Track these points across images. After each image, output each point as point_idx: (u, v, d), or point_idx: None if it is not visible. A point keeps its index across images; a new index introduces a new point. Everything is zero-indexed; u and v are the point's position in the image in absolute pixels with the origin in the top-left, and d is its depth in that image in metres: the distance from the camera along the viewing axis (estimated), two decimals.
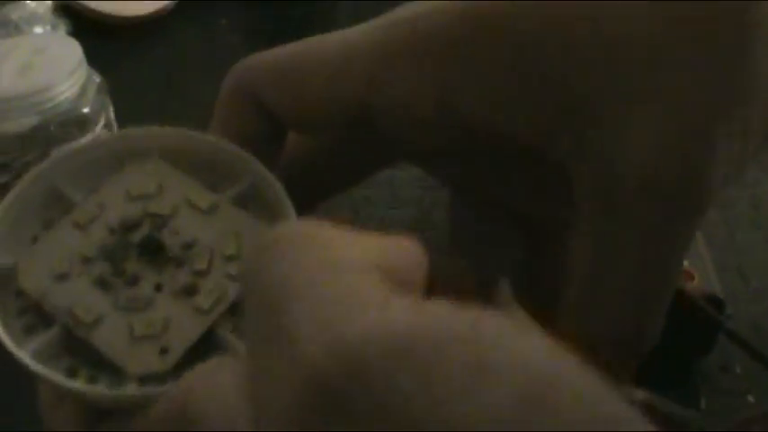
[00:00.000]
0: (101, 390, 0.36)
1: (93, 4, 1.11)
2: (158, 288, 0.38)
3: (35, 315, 0.38)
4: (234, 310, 0.38)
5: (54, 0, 1.12)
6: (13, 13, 1.06)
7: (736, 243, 0.77)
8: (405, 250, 0.32)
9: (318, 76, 0.42)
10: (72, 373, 0.37)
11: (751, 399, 0.64)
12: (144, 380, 0.36)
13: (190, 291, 0.38)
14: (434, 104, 0.40)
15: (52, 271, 0.38)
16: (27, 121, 0.78)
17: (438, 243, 0.77)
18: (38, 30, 1.06)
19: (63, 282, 0.38)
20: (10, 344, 0.36)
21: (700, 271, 0.64)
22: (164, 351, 0.36)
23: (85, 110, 0.80)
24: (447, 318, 0.27)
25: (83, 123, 0.80)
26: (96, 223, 0.40)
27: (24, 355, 0.36)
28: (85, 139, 0.78)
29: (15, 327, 0.38)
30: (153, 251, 0.39)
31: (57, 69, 0.80)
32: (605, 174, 0.37)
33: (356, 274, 0.29)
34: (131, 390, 0.36)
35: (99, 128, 0.81)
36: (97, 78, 0.83)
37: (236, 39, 1.10)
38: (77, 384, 0.36)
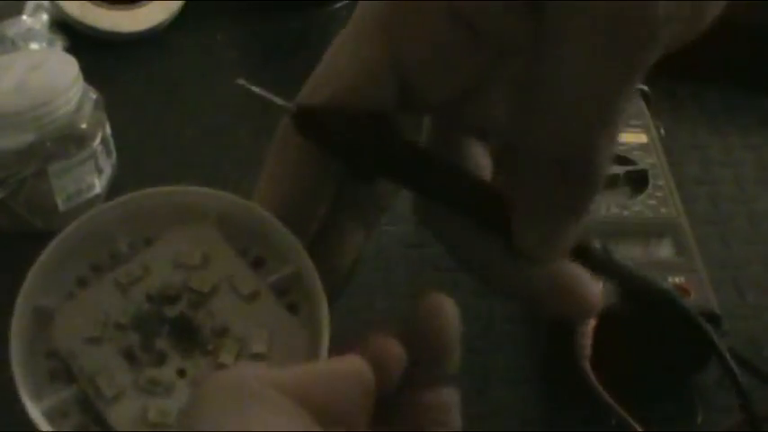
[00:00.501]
0: None
1: (89, 20, 1.11)
2: (181, 373, 0.38)
3: (63, 361, 0.39)
4: None
5: (51, 12, 1.12)
6: (10, 29, 1.06)
7: (733, 258, 0.77)
8: (340, 391, 0.33)
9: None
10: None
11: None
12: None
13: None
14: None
15: (85, 332, 0.39)
16: (24, 138, 0.78)
17: (434, 260, 0.77)
18: (34, 46, 1.06)
19: (93, 345, 0.38)
20: (27, 401, 0.37)
21: (696, 286, 0.64)
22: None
23: (82, 126, 0.80)
24: None
25: (80, 139, 0.80)
26: (137, 287, 0.40)
27: (37, 413, 0.37)
28: (81, 156, 0.78)
29: (42, 368, 0.38)
30: (185, 332, 0.39)
31: (53, 85, 0.80)
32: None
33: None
34: None
35: (96, 144, 0.81)
36: (94, 95, 0.83)
37: (233, 53, 1.10)
38: None
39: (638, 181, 0.74)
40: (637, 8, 0.37)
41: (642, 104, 0.84)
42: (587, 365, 0.60)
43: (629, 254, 0.68)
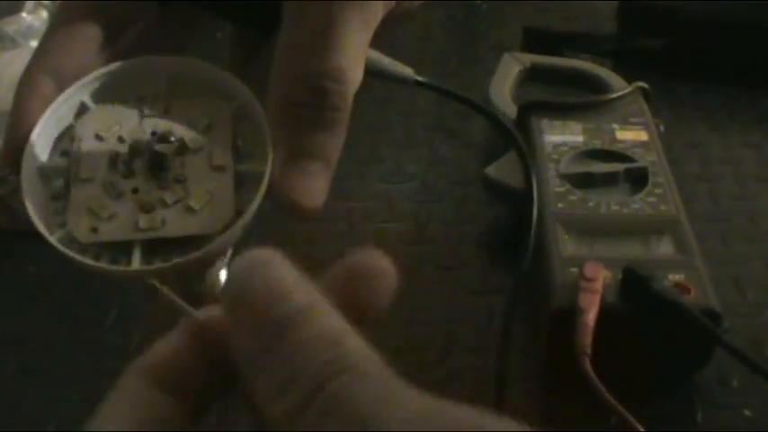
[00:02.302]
0: (37, 223, 0.45)
1: None
2: (134, 191, 0.46)
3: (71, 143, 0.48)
4: (158, 244, 0.45)
5: (51, 9, 1.12)
6: (9, 26, 1.06)
7: (733, 256, 0.77)
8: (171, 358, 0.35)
9: None
10: (55, 198, 0.47)
11: (748, 413, 0.64)
12: (69, 239, 0.44)
13: (146, 209, 0.45)
14: None
15: (98, 130, 0.48)
16: None
17: (435, 258, 0.78)
18: (34, 43, 1.06)
19: (97, 142, 0.47)
20: (29, 157, 0.46)
21: (696, 284, 0.64)
22: (94, 230, 0.44)
23: None
24: None
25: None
26: (150, 121, 0.48)
27: (29, 165, 0.46)
28: None
29: (61, 145, 0.48)
30: (157, 167, 0.46)
31: None
32: None
33: None
34: (55, 238, 0.44)
35: None
36: None
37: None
38: (31, 210, 0.46)
39: (637, 178, 0.74)
40: None
41: (642, 102, 0.84)
42: (587, 364, 0.60)
43: (628, 251, 0.68)
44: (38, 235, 0.44)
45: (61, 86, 0.48)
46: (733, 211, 0.82)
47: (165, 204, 0.45)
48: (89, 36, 0.49)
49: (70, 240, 0.44)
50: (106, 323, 0.73)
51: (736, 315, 0.70)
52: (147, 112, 0.49)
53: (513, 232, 0.72)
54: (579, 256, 0.67)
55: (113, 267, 0.44)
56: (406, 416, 0.28)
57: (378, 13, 0.46)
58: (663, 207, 0.71)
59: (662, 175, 0.75)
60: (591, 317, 0.61)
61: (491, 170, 0.79)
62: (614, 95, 0.84)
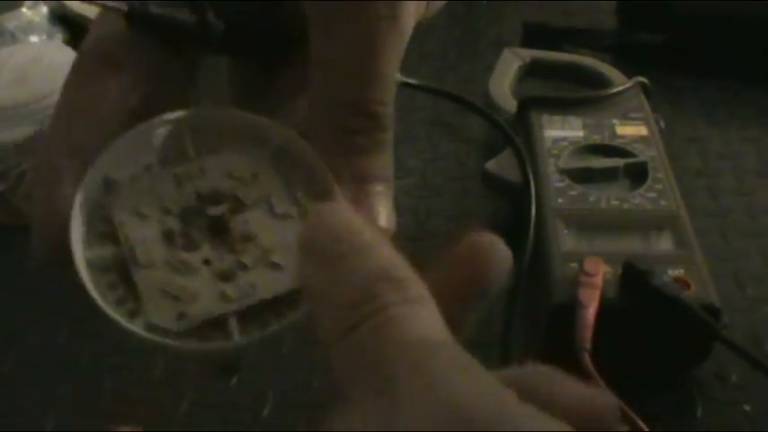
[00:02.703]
0: (113, 313, 0.41)
1: (89, 13, 1.11)
2: (206, 263, 0.43)
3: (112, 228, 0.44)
4: (251, 310, 0.42)
5: (51, 4, 1.12)
6: (9, 21, 1.06)
7: (732, 251, 0.77)
8: None
9: None
10: (112, 287, 0.42)
11: (747, 408, 0.64)
12: (152, 328, 0.41)
13: (227, 277, 0.42)
14: None
15: (137, 207, 0.44)
16: (23, 131, 0.78)
17: (434, 253, 0.77)
18: (34, 38, 1.07)
19: (140, 219, 0.44)
20: (76, 245, 0.42)
21: (696, 279, 0.64)
22: (181, 315, 0.41)
23: None
24: None
25: None
26: (191, 183, 0.45)
27: (80, 257, 0.42)
28: None
29: (96, 228, 0.44)
30: (219, 230, 0.44)
31: (53, 78, 0.80)
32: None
33: None
34: (137, 327, 0.41)
35: None
36: None
37: None
38: (100, 300, 0.41)
39: (637, 173, 0.75)
40: None
41: (642, 97, 0.84)
42: (587, 358, 0.60)
43: (628, 247, 0.68)
44: (112, 322, 0.41)
45: (84, 162, 0.45)
46: (732, 206, 0.82)
47: (244, 267, 0.43)
48: (110, 99, 0.47)
49: (151, 328, 0.41)
50: (106, 319, 0.72)
51: (736, 310, 0.70)
52: (181, 174, 0.45)
53: (512, 227, 0.72)
54: (579, 252, 0.67)
55: (216, 345, 0.41)
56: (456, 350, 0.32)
57: (411, 25, 0.45)
58: (663, 202, 0.71)
59: (662, 170, 0.75)
60: (591, 312, 0.61)
61: (491, 165, 0.79)
62: (614, 90, 0.84)
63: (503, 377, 0.33)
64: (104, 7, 0.45)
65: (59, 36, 1.09)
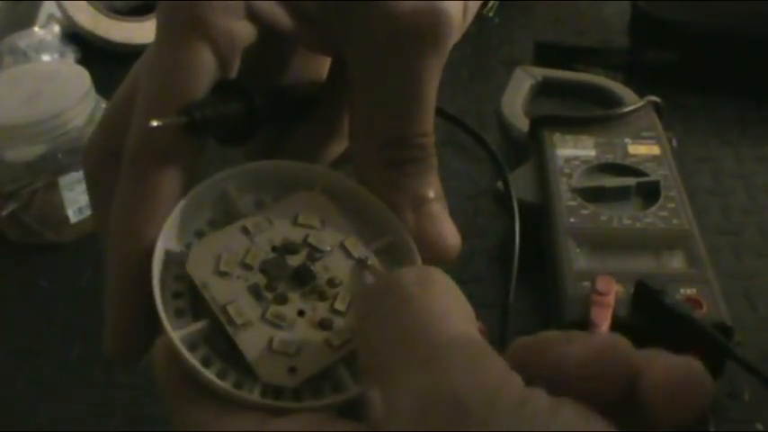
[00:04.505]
0: (228, 386, 0.40)
1: (101, 32, 1.12)
2: (300, 313, 0.42)
3: (187, 301, 0.43)
4: (351, 356, 0.42)
5: (62, 27, 1.12)
6: (22, 40, 1.07)
7: (744, 270, 0.77)
8: None
9: None
10: (206, 364, 0.41)
11: (759, 426, 0.64)
12: (266, 389, 0.40)
13: (325, 325, 0.42)
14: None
15: (217, 267, 0.43)
16: (35, 149, 0.78)
17: (447, 272, 0.77)
18: (46, 57, 1.07)
19: (223, 279, 0.43)
20: (168, 327, 0.41)
21: (708, 298, 0.64)
22: (292, 370, 0.41)
23: None
24: None
25: None
26: (263, 236, 0.44)
27: (177, 339, 0.40)
28: None
29: (169, 307, 0.42)
30: (304, 280, 0.43)
31: (65, 97, 0.80)
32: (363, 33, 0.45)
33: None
34: (255, 395, 0.40)
35: None
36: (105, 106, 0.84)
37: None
38: (212, 376, 0.40)
39: (650, 192, 0.74)
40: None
41: (654, 116, 0.84)
42: None
43: (640, 265, 0.68)
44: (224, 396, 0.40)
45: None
46: (745, 224, 0.82)
47: (339, 313, 0.43)
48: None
49: (266, 393, 0.40)
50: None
51: (748, 329, 0.70)
52: (250, 227, 0.45)
53: (525, 246, 0.72)
54: (591, 270, 0.67)
55: (335, 399, 0.41)
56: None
57: (448, 52, 0.46)
58: (675, 221, 0.71)
59: (674, 189, 0.74)
60: (603, 331, 0.61)
61: (502, 184, 0.79)
62: (626, 109, 0.84)
63: (514, 347, 0.37)
64: (164, 124, 0.42)
65: (71, 55, 1.10)
